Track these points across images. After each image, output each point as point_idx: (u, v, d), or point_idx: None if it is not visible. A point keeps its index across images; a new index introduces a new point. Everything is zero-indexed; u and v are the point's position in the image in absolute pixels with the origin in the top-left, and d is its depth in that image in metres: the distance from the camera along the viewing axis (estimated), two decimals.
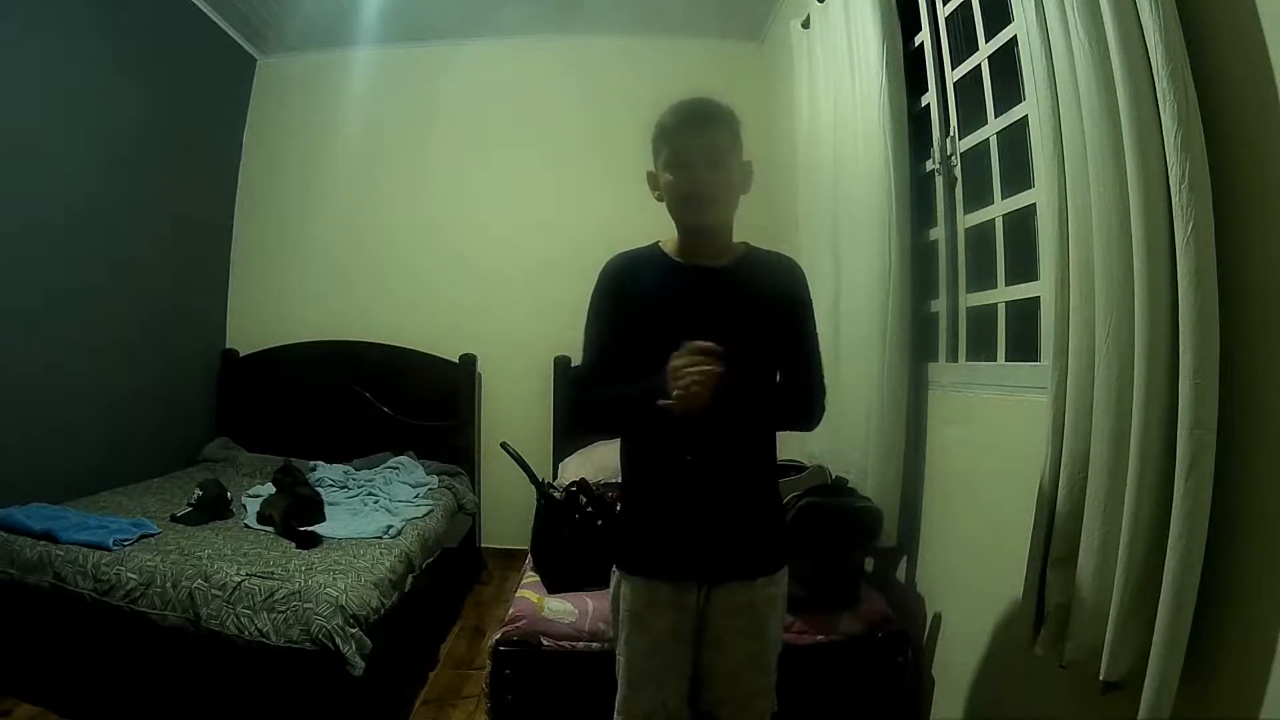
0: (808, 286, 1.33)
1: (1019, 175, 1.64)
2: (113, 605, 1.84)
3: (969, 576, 1.73)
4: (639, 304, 1.27)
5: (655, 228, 1.35)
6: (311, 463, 3.15)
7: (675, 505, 1.28)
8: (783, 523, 1.43)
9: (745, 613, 1.29)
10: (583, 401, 1.33)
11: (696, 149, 1.20)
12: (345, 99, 3.71)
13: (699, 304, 1.25)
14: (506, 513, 3.48)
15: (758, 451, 1.33)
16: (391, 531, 2.38)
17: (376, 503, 2.76)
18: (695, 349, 1.11)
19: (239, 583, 1.82)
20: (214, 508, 2.42)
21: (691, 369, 1.09)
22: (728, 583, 1.29)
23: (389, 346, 3.55)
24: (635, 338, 1.24)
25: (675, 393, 1.10)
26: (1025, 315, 1.63)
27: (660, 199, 1.27)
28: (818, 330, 1.33)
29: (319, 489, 2.71)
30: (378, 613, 1.90)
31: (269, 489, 2.58)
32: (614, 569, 1.36)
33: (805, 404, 1.32)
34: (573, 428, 1.40)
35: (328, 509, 2.57)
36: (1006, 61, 1.66)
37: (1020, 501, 1.38)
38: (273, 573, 1.88)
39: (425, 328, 3.58)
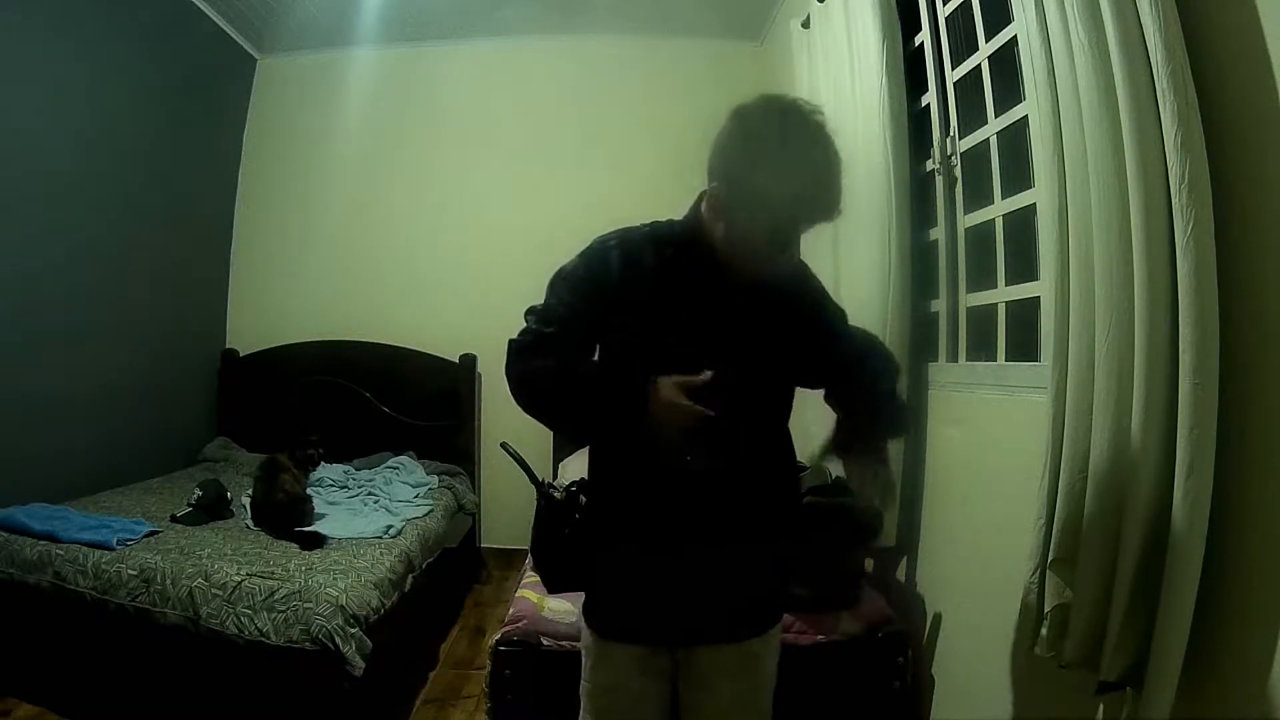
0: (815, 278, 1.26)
1: (1019, 175, 1.64)
2: (112, 604, 1.84)
3: (969, 576, 1.73)
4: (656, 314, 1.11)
5: None
6: None
7: (665, 534, 1.14)
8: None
9: (736, 653, 1.22)
10: (526, 374, 1.13)
11: (820, 216, 1.04)
12: (345, 99, 3.71)
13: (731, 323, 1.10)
14: (506, 513, 3.48)
15: (777, 459, 1.23)
16: (391, 531, 2.38)
17: (377, 503, 2.77)
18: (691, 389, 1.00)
19: (239, 582, 1.82)
20: (214, 508, 2.42)
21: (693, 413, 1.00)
22: (720, 643, 1.20)
23: (389, 346, 3.55)
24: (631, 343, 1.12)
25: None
26: (1025, 315, 1.63)
27: (713, 218, 1.08)
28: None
29: (314, 488, 2.70)
30: (378, 613, 1.91)
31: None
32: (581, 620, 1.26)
33: (889, 371, 1.26)
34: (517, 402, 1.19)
35: (329, 509, 2.57)
36: (1006, 61, 1.65)
37: (1020, 501, 1.38)
38: (273, 572, 1.88)
39: (425, 328, 3.58)
